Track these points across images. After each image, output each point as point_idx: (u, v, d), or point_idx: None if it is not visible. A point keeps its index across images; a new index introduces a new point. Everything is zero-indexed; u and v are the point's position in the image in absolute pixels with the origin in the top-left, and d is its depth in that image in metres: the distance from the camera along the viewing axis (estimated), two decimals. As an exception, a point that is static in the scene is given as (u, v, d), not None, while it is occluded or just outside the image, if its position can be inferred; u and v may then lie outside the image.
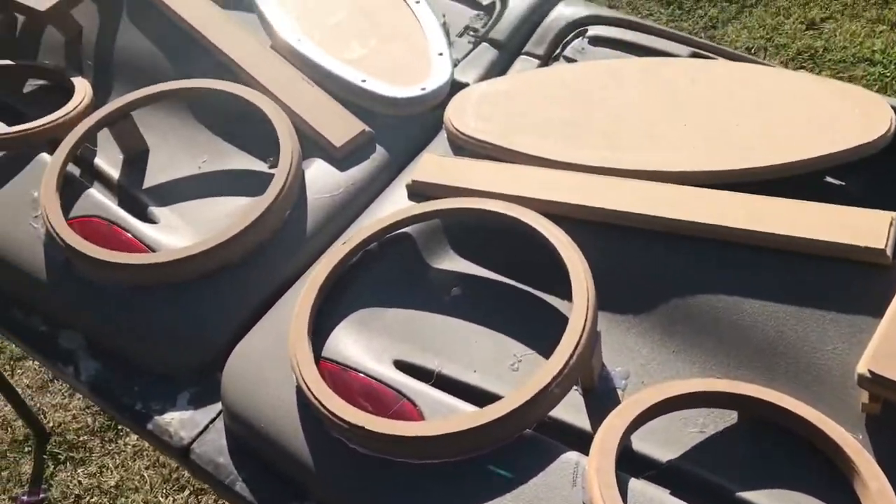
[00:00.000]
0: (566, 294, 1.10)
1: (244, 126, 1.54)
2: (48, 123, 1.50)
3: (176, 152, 1.56)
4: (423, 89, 1.49)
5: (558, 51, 1.57)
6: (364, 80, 1.51)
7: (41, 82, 1.72)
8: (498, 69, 1.59)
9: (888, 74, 2.91)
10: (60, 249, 1.31)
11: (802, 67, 3.00)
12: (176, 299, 1.27)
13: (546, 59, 1.57)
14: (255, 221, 1.29)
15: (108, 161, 1.56)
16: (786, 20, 3.19)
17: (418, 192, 1.36)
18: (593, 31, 1.57)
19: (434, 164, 1.38)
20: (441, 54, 1.55)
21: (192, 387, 1.26)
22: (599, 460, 0.93)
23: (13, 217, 1.41)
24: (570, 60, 1.55)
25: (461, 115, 1.44)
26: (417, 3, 1.65)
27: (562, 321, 1.07)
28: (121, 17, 1.73)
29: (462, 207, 1.27)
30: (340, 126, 1.46)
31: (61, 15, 1.72)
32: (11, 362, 2.63)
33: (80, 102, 1.55)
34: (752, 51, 3.09)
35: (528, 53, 1.58)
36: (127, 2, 1.75)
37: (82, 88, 1.59)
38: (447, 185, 1.34)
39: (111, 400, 1.28)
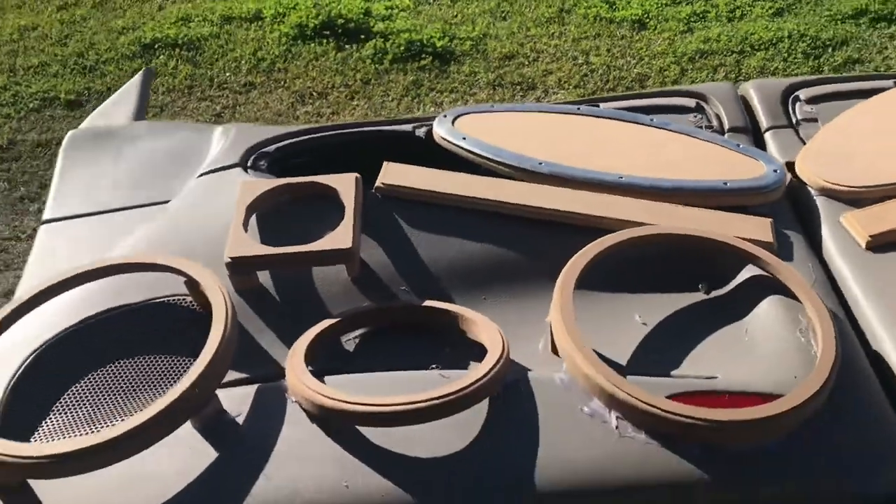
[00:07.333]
0: None
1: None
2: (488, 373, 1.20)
3: None
4: (776, 171, 1.57)
5: (794, 117, 1.78)
6: (726, 182, 1.54)
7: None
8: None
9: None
10: None
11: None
12: None
13: (792, 126, 1.76)
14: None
15: None
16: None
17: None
18: (803, 94, 1.81)
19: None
20: (739, 145, 1.65)
21: None
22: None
23: None
24: (810, 121, 1.76)
25: (823, 172, 1.56)
26: (652, 120, 1.73)
27: None
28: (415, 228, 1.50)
29: None
30: (757, 228, 1.47)
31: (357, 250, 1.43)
32: None
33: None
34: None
35: (774, 127, 1.76)
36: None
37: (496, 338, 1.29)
38: None
39: None
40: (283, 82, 4.09)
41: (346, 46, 4.26)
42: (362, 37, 4.29)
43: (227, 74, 4.18)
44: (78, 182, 1.77)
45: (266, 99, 4.00)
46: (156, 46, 4.39)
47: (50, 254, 1.62)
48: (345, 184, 1.51)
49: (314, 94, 3.99)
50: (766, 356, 1.28)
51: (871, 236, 1.44)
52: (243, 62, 4.24)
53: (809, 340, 1.27)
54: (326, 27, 4.35)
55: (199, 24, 4.55)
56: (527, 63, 4.07)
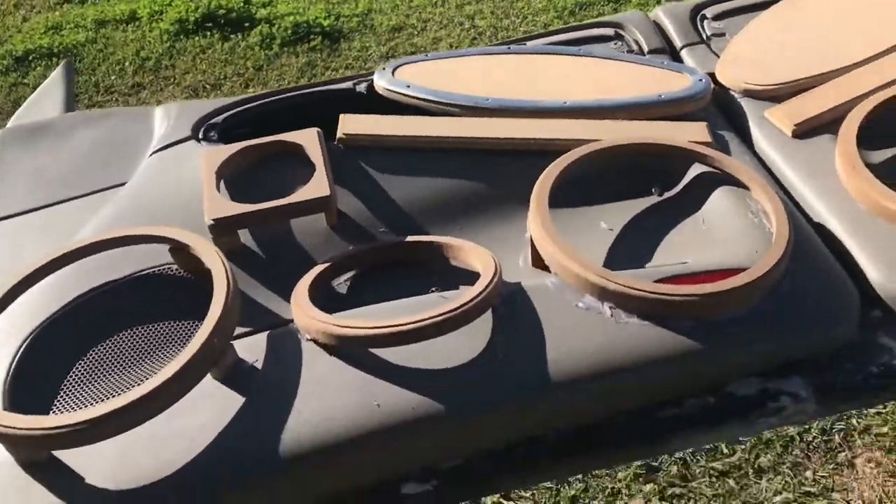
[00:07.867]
0: None
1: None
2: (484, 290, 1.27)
3: None
4: (701, 80, 1.70)
5: (704, 34, 1.92)
6: (660, 95, 1.66)
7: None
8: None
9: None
10: None
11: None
12: None
13: (704, 42, 1.90)
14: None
15: None
16: None
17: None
18: (709, 12, 1.96)
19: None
20: (663, 62, 1.77)
21: None
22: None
23: None
24: (719, 35, 1.91)
25: (743, 76, 1.70)
26: (580, 50, 1.84)
27: None
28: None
29: None
30: (695, 131, 1.59)
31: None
32: None
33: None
34: None
35: (688, 45, 1.89)
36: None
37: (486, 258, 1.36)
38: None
39: None
40: (172, 79, 4.03)
41: (232, 36, 4.23)
42: (247, 25, 4.26)
43: (113, 78, 4.08)
44: (20, 179, 1.74)
45: (158, 97, 3.93)
46: (30, 58, 4.24)
47: (9, 249, 1.59)
48: (308, 138, 1.55)
49: (207, 86, 3.95)
50: (726, 239, 1.40)
51: (795, 125, 1.59)
52: (127, 64, 4.15)
53: (762, 220, 1.41)
54: (208, 19, 4.30)
55: (73, 32, 4.41)
56: (416, 33, 4.14)
